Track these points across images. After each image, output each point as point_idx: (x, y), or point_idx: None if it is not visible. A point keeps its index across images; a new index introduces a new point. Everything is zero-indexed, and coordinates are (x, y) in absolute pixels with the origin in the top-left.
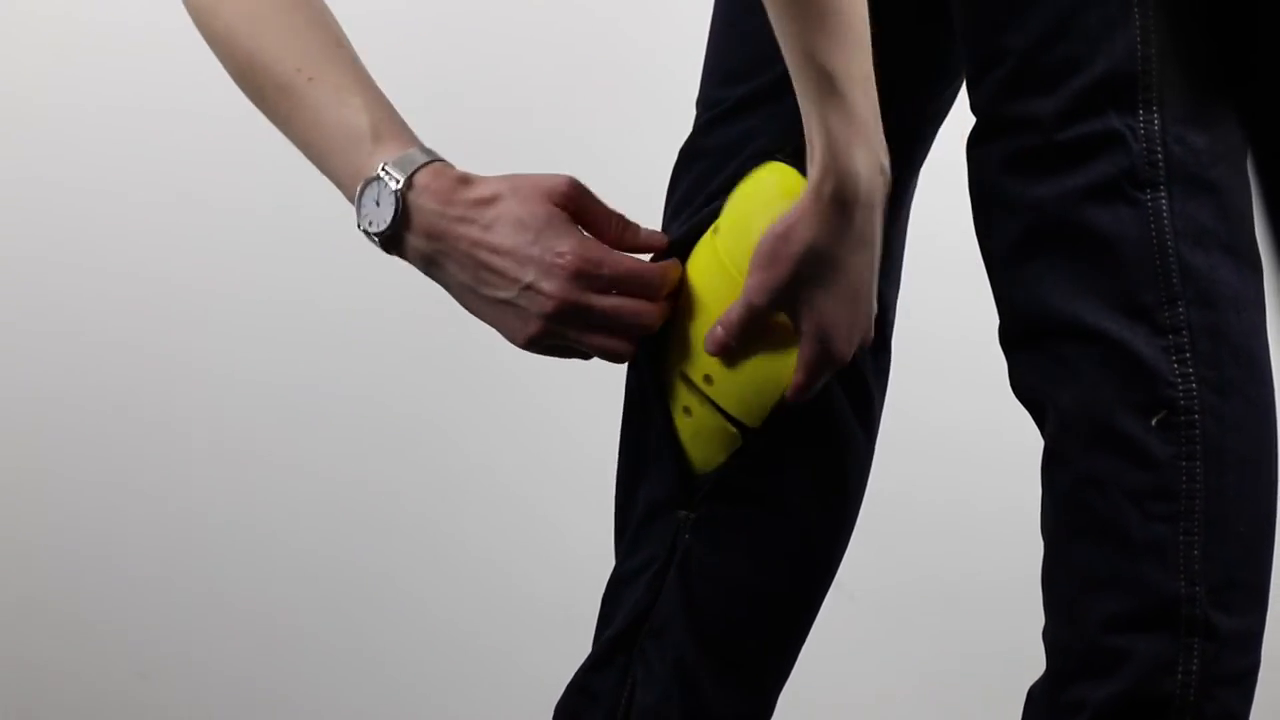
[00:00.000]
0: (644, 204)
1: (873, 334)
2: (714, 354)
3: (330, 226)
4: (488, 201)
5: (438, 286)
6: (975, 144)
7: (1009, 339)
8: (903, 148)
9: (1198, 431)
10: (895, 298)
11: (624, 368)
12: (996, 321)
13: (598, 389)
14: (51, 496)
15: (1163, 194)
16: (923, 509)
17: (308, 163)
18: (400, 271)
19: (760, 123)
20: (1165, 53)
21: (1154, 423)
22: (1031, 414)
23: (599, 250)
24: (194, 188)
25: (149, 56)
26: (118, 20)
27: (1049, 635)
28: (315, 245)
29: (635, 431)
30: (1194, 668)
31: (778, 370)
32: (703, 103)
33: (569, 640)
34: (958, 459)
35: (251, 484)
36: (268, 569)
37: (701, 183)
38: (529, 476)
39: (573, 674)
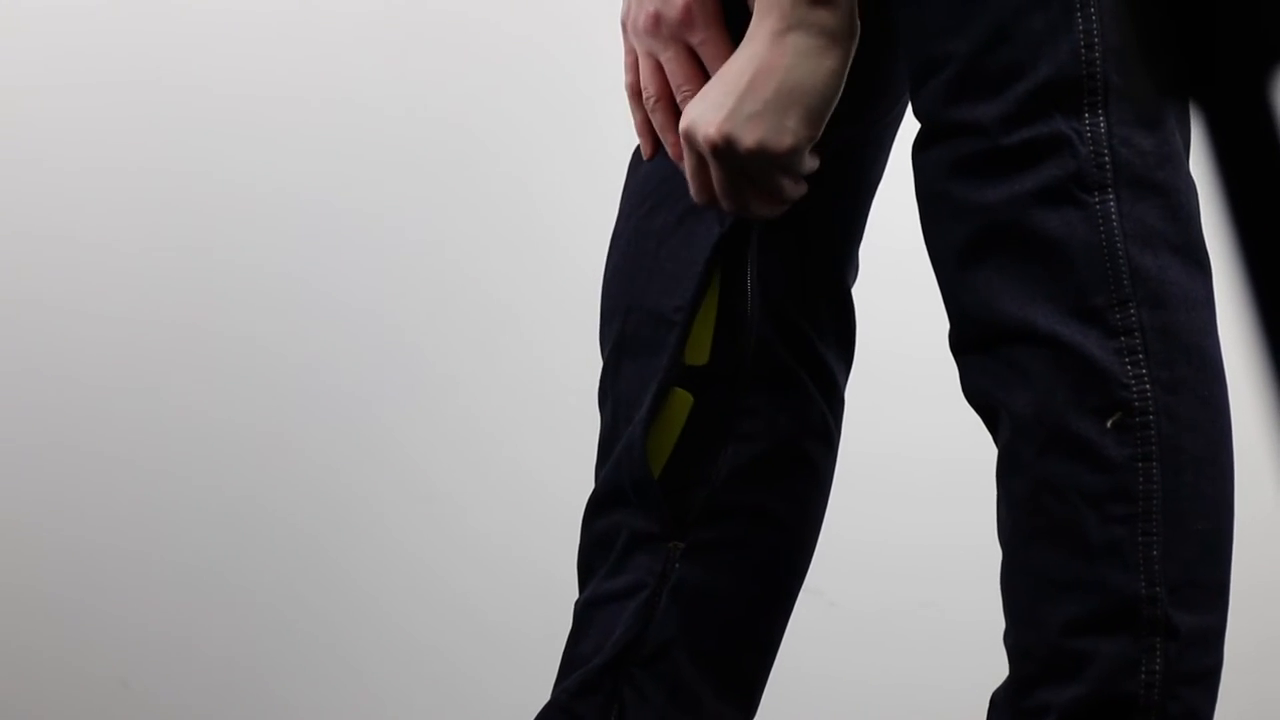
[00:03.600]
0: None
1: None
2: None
3: (324, 211)
4: None
5: (427, 281)
6: (920, 150)
7: (959, 344)
8: (861, 151)
9: (1153, 432)
10: (852, 285)
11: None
12: None
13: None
14: (29, 499)
15: (1111, 196)
16: (904, 513)
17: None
18: (391, 266)
19: None
20: (1109, 55)
21: (1109, 425)
22: (983, 419)
23: None
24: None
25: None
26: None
27: (1010, 640)
28: (306, 230)
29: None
30: (1157, 668)
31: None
32: None
33: (539, 659)
34: (940, 463)
35: (238, 486)
36: (253, 574)
37: (655, 176)
38: (506, 503)
39: (550, 693)
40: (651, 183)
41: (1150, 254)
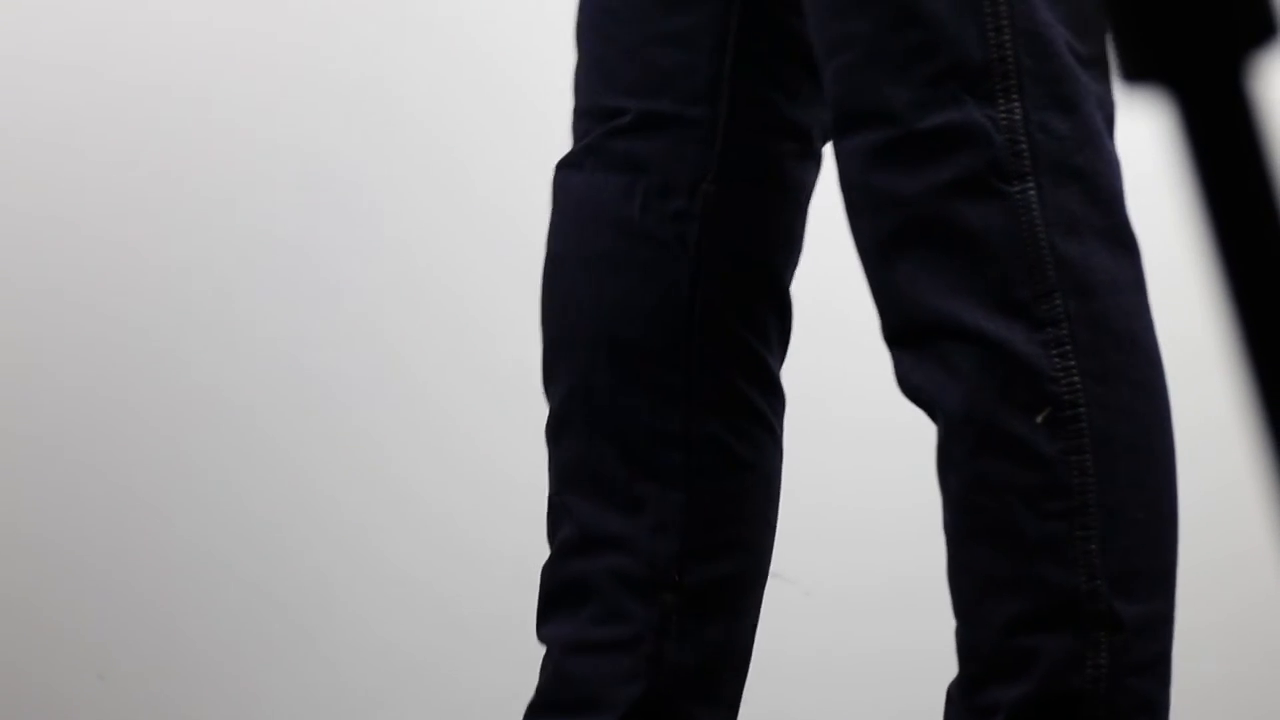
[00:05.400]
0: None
1: None
2: None
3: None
4: None
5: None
6: (836, 137)
7: (889, 337)
8: (797, 162)
9: (1084, 425)
10: (791, 279)
11: None
12: None
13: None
14: (1, 492)
15: (1031, 185)
16: (880, 498)
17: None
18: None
19: (670, 146)
20: (1021, 38)
21: (1039, 420)
22: (925, 412)
23: None
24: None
25: None
26: None
27: (958, 638)
28: (272, 212)
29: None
30: (1103, 661)
31: None
32: (591, 113)
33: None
34: (918, 444)
35: (217, 480)
36: (230, 566)
37: (598, 200)
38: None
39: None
40: (587, 208)
41: (1074, 241)
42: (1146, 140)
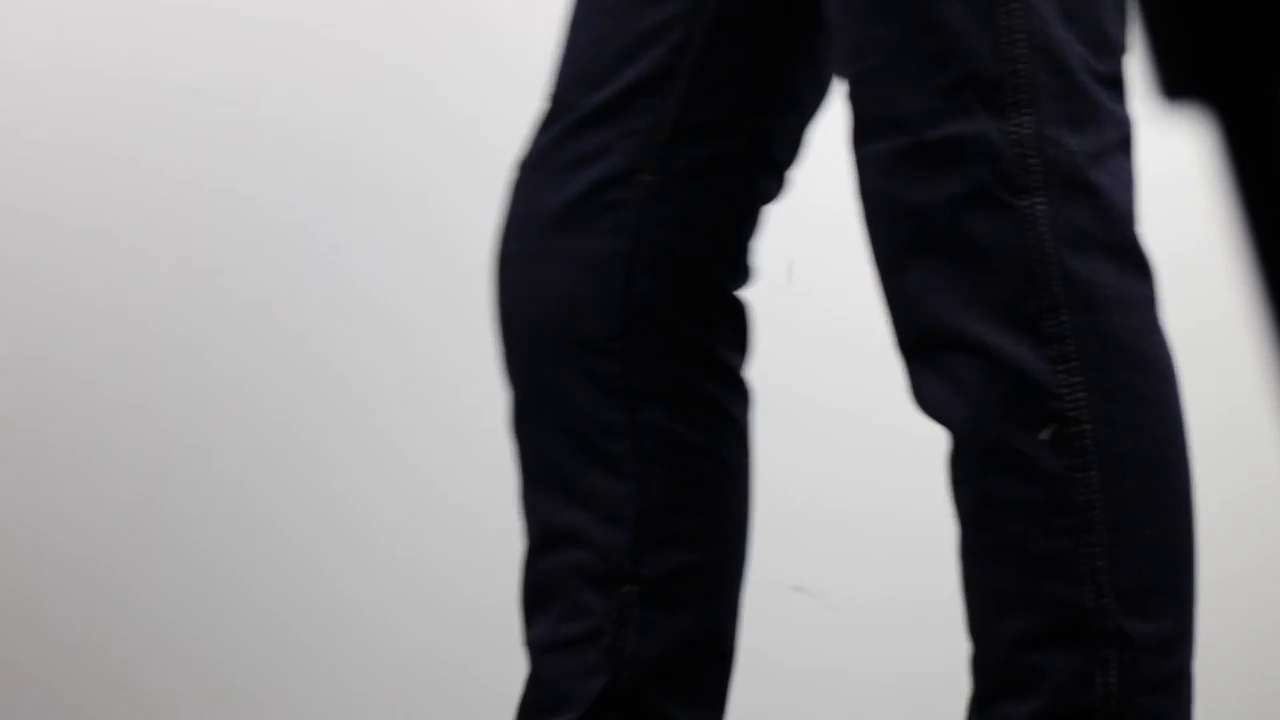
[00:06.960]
0: None
1: None
2: None
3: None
4: None
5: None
6: (855, 144)
7: (904, 348)
8: (740, 164)
9: (1089, 441)
10: (734, 286)
11: None
12: None
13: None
14: (25, 500)
15: (1040, 199)
16: (906, 514)
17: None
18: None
19: (612, 138)
20: (1037, 53)
21: (1044, 436)
22: (939, 425)
23: None
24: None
25: None
26: None
27: (971, 655)
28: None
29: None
30: (1112, 679)
31: None
32: (556, 100)
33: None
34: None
35: (241, 492)
36: (256, 579)
37: (541, 197)
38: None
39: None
40: (534, 207)
41: (1082, 257)
42: (1187, 156)
